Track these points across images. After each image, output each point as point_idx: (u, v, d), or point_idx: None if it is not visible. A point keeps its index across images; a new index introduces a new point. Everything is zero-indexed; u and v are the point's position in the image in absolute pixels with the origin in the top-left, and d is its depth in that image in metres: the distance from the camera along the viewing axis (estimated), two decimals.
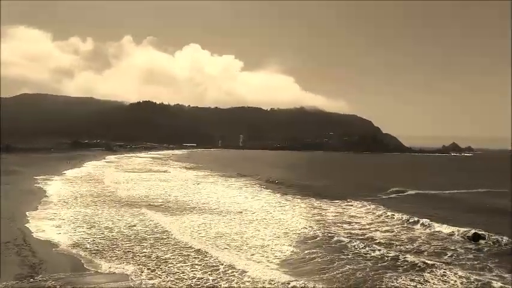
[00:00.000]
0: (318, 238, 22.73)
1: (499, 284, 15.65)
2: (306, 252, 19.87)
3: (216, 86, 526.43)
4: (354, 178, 66.98)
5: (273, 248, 20.50)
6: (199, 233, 23.23)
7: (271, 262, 18.11)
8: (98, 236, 21.77)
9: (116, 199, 35.05)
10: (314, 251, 20.09)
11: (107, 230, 23.21)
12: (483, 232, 23.75)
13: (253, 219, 27.83)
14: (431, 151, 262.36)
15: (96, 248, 19.62)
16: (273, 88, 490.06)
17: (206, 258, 18.17)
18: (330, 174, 73.08)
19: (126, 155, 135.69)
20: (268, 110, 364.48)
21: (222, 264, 17.26)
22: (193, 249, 19.63)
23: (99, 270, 16.51)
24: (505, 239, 22.49)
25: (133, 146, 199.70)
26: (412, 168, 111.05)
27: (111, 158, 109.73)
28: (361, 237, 23.43)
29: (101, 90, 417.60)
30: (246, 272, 16.37)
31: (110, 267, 16.82)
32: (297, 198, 38.98)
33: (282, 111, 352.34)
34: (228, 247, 20.36)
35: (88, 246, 19.77)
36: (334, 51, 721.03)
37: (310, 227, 25.60)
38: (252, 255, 19.12)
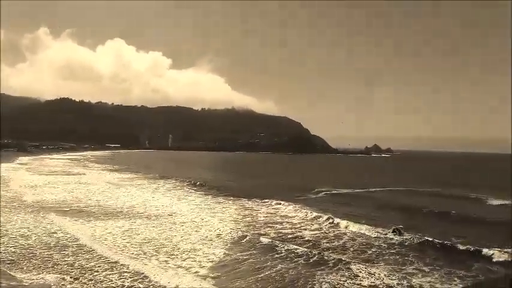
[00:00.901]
0: (250, 239, 23.03)
1: (419, 275, 17.37)
2: (239, 254, 20.08)
3: (142, 84, 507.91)
4: (285, 179, 68.75)
5: (205, 251, 20.39)
6: (125, 239, 22.34)
7: (203, 267, 17.96)
8: (11, 245, 19.97)
9: (31, 204, 32.41)
10: (247, 252, 20.39)
11: (23, 239, 21.38)
12: (402, 228, 26.09)
13: (183, 222, 27.41)
14: (355, 152, 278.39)
15: (10, 258, 18.01)
16: (203, 88, 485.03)
17: (135, 265, 17.57)
18: (261, 175, 74.36)
19: (41, 156, 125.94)
20: (199, 110, 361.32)
21: (152, 272, 16.79)
22: (120, 257, 18.86)
23: (12, 283, 15.15)
24: (421, 234, 24.84)
25: (50, 146, 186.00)
26: (337, 168, 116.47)
27: (25, 159, 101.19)
28: (291, 237, 24.30)
29: (13, 86, 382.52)
30: (178, 278, 16.12)
31: (26, 278, 15.56)
32: (228, 199, 39.17)
33: (213, 111, 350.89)
34: (157, 253, 19.84)
35: None
36: (264, 52, 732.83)
37: (241, 228, 25.94)
38: (183, 260, 18.84)
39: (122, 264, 17.68)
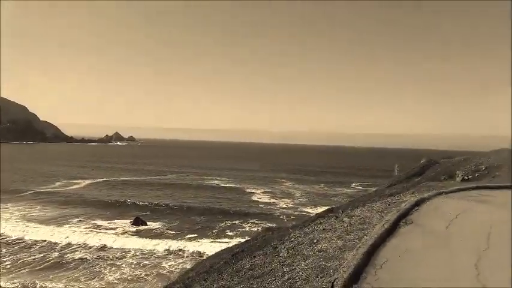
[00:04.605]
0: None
1: (170, 257, 19.17)
2: None
3: None
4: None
5: None
6: None
7: None
8: None
9: None
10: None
11: None
12: (145, 216, 29.06)
13: None
14: (94, 140, 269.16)
15: None
16: None
17: None
18: None
19: None
20: None
21: None
22: None
23: None
24: (166, 221, 28.11)
25: None
26: (68, 159, 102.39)
27: None
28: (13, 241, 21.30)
29: None
30: None
31: None
32: None
33: None
34: None
35: None
36: None
37: None
38: None
39: None
